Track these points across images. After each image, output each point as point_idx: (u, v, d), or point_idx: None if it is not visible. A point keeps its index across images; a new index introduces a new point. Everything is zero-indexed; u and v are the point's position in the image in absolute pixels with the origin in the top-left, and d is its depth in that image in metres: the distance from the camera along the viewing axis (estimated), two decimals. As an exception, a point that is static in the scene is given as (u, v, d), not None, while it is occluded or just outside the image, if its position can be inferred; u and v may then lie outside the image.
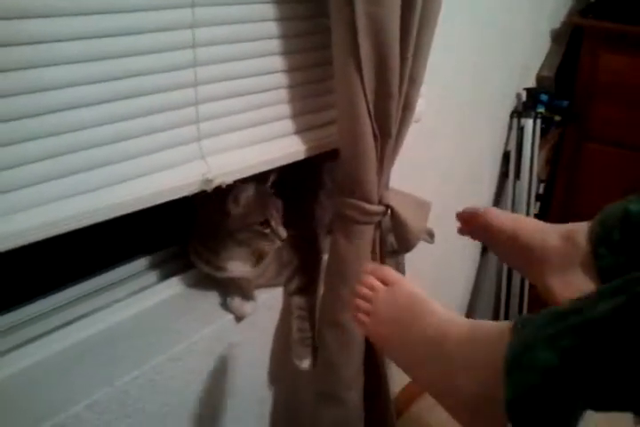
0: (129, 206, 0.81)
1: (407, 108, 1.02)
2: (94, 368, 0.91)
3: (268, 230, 0.98)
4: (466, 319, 0.74)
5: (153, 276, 1.09)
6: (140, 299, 1.04)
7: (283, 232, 0.99)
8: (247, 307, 1.05)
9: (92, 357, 0.93)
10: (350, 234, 1.08)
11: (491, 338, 0.66)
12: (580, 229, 0.92)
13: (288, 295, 1.16)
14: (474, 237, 1.02)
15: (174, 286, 1.09)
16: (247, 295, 1.06)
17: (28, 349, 0.90)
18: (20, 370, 0.89)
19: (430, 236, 1.18)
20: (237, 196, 0.96)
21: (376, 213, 1.07)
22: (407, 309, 0.78)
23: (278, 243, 1.00)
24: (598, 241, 0.89)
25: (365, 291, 0.83)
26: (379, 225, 1.11)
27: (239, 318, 1.07)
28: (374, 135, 0.97)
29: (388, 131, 0.99)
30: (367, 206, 1.05)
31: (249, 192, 0.96)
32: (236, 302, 1.05)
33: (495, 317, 2.21)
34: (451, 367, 0.68)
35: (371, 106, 0.95)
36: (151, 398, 0.95)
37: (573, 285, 0.91)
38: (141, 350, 0.96)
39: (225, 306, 1.06)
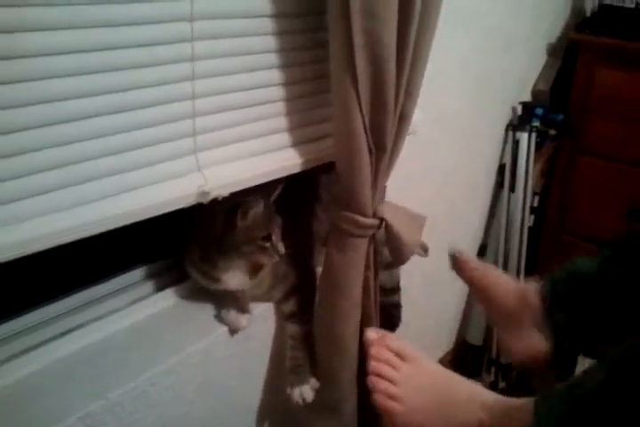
0: (125, 218, 0.81)
1: (403, 121, 1.03)
2: (88, 380, 0.91)
3: (268, 245, 0.98)
4: (491, 394, 0.79)
5: (147, 287, 1.09)
6: (135, 310, 1.04)
7: (282, 248, 1.00)
8: (242, 320, 1.05)
9: (86, 368, 0.93)
10: (344, 247, 1.08)
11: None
12: (531, 288, 0.99)
13: (283, 320, 1.15)
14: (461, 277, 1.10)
15: (168, 297, 1.09)
16: (242, 308, 1.06)
17: (21, 360, 0.90)
18: (13, 382, 0.89)
19: (424, 249, 1.18)
20: (247, 210, 0.96)
21: (370, 227, 1.07)
22: (441, 391, 0.79)
23: (276, 258, 1.00)
24: (548, 299, 0.96)
25: (386, 370, 0.82)
26: (373, 238, 1.11)
27: (234, 331, 1.07)
28: (369, 149, 0.98)
29: (383, 145, 0.99)
30: (362, 219, 1.05)
31: (259, 208, 0.96)
32: (232, 314, 1.05)
33: (488, 329, 2.21)
34: None
35: (366, 120, 0.95)
36: (145, 411, 0.95)
37: (528, 343, 0.99)
38: (136, 362, 0.95)
39: (220, 318, 1.06)
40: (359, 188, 1.01)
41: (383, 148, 1.00)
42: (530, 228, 2.15)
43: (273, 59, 0.94)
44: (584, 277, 0.95)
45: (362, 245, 1.09)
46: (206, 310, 1.09)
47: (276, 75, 0.95)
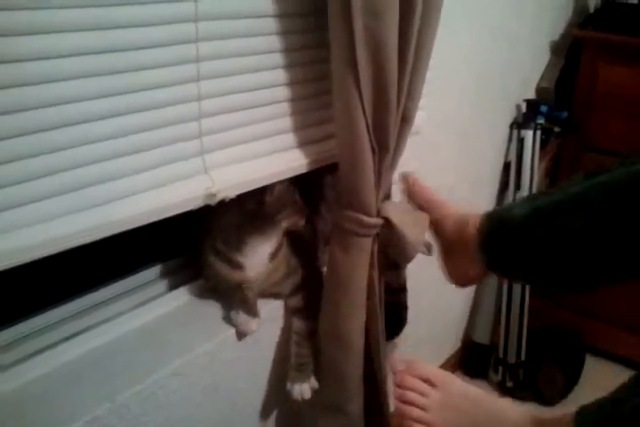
0: (133, 222, 0.81)
1: (405, 121, 1.03)
2: (95, 383, 0.90)
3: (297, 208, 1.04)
4: (526, 411, 0.81)
5: (154, 290, 1.09)
6: (141, 313, 1.03)
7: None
8: (252, 323, 1.05)
9: (93, 371, 0.93)
10: (348, 246, 1.08)
11: None
12: (473, 220, 1.04)
13: (289, 313, 1.16)
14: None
15: (175, 300, 1.09)
16: (252, 311, 1.06)
17: (28, 364, 0.90)
18: (20, 386, 0.88)
19: (428, 248, 1.17)
20: (273, 186, 0.99)
21: (374, 226, 1.07)
22: (474, 411, 0.80)
23: (303, 221, 1.05)
24: (480, 236, 1.01)
25: (415, 397, 0.81)
26: (377, 237, 1.11)
27: (243, 335, 1.06)
28: (372, 149, 0.98)
29: (385, 144, 0.99)
30: (365, 219, 1.05)
31: (283, 184, 1.01)
32: (242, 317, 1.04)
33: (495, 328, 2.21)
34: None
35: (369, 119, 0.95)
36: (153, 413, 0.95)
37: (463, 269, 1.08)
38: (143, 364, 0.95)
39: (228, 320, 1.06)
40: (362, 187, 1.01)
41: (386, 147, 1.00)
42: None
43: (278, 59, 0.93)
44: (512, 226, 0.98)
45: (366, 245, 1.09)
46: (215, 312, 1.08)
47: (281, 75, 0.95)
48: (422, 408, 0.80)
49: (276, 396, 1.23)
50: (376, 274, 1.14)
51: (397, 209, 1.11)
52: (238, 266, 1.04)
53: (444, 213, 1.10)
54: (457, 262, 1.09)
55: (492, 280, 2.19)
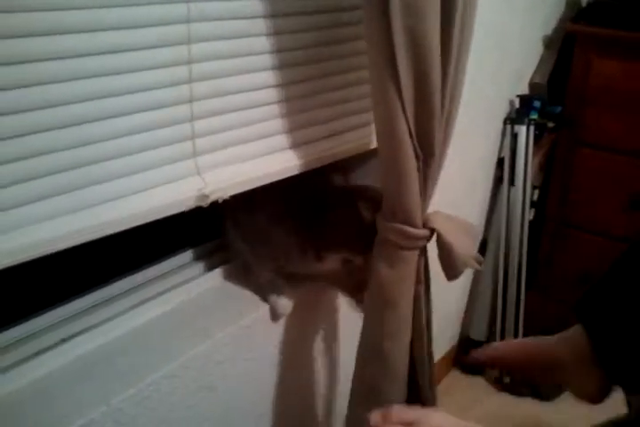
0: (125, 223, 0.81)
1: (449, 124, 0.97)
2: (90, 386, 0.90)
3: None
4: None
5: (147, 292, 1.08)
6: (134, 316, 1.03)
7: None
8: (289, 306, 1.04)
9: (88, 375, 0.92)
10: (394, 260, 1.01)
11: None
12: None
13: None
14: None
15: (169, 301, 1.08)
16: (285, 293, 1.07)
17: (23, 368, 0.90)
18: (16, 389, 0.88)
19: (479, 262, 1.06)
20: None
21: (421, 238, 1.00)
22: None
23: None
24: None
25: None
26: (424, 250, 1.05)
27: (279, 317, 1.07)
28: (416, 155, 0.92)
29: (431, 150, 0.93)
30: (411, 230, 0.98)
31: None
32: (283, 300, 1.04)
33: (492, 325, 2.21)
34: None
35: (412, 126, 0.89)
36: (148, 416, 0.94)
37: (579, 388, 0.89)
38: (137, 367, 0.95)
39: (224, 322, 1.05)
40: (407, 196, 0.95)
41: (431, 153, 0.94)
42: (530, 221, 2.14)
43: (271, 60, 0.93)
44: None
45: (412, 258, 1.02)
46: (209, 315, 1.08)
47: (273, 76, 0.94)
48: None
49: (273, 397, 1.22)
50: (423, 289, 1.08)
51: (445, 219, 1.03)
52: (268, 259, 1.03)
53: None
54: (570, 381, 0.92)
55: (488, 277, 2.19)
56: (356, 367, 1.12)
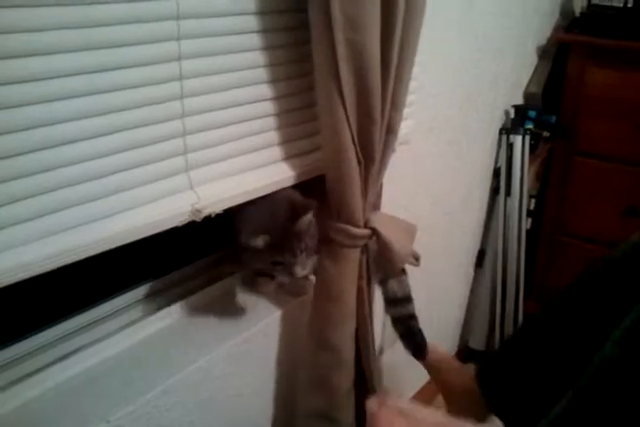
0: (117, 240, 0.80)
1: (390, 132, 1.03)
2: (89, 403, 0.90)
3: None
4: None
5: (146, 307, 1.08)
6: (132, 333, 1.03)
7: None
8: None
9: (87, 392, 0.92)
10: (337, 257, 1.09)
11: None
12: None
13: None
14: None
15: (167, 317, 1.08)
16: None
17: (20, 387, 0.89)
18: (13, 408, 0.88)
19: (416, 258, 1.19)
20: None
21: (362, 237, 1.08)
22: None
23: None
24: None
25: None
26: (366, 248, 1.12)
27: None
28: (358, 160, 0.98)
29: (371, 156, 1.00)
30: (353, 230, 1.05)
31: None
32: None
33: (490, 333, 2.21)
34: None
35: (354, 131, 0.95)
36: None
37: None
38: (136, 383, 0.94)
39: (222, 337, 1.06)
40: (349, 198, 1.02)
41: (372, 158, 1.00)
42: (527, 231, 2.14)
43: (262, 74, 0.93)
44: None
45: (354, 255, 1.10)
46: (206, 329, 1.08)
47: (265, 90, 0.94)
48: None
49: (272, 409, 1.22)
50: (365, 284, 1.15)
51: (385, 220, 1.12)
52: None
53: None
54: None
55: (486, 286, 2.19)
56: (305, 357, 1.17)
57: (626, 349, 0.84)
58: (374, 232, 1.09)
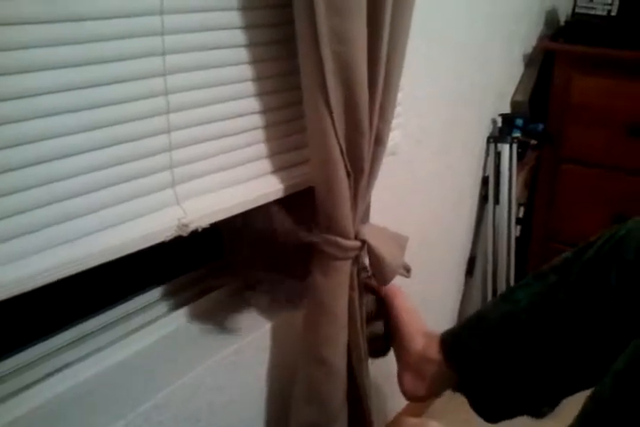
0: (102, 257, 0.80)
1: (379, 143, 1.03)
2: (79, 418, 0.89)
3: None
4: None
5: (133, 323, 1.07)
6: (122, 346, 1.02)
7: None
8: None
9: (77, 407, 0.91)
10: (328, 269, 1.08)
11: None
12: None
13: None
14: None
15: (157, 330, 1.08)
16: None
17: (9, 403, 0.89)
18: (5, 424, 0.87)
19: (407, 270, 1.19)
20: None
21: (352, 249, 1.07)
22: None
23: None
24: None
25: None
26: (357, 259, 1.12)
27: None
28: (347, 172, 0.98)
29: (360, 167, 1.00)
30: (343, 242, 1.05)
31: None
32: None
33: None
34: None
35: (342, 143, 0.95)
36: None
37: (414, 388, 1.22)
38: (126, 397, 0.94)
39: (211, 351, 1.05)
40: (339, 210, 1.02)
41: (361, 170, 1.00)
42: (517, 238, 2.15)
43: (249, 88, 0.93)
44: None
45: (345, 267, 1.09)
46: (196, 343, 1.07)
47: (252, 103, 0.94)
48: None
49: (262, 423, 1.22)
50: (357, 296, 1.15)
51: (375, 231, 1.11)
52: None
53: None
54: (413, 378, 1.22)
55: (477, 293, 2.19)
56: (297, 369, 1.16)
57: None
58: (364, 244, 1.09)
